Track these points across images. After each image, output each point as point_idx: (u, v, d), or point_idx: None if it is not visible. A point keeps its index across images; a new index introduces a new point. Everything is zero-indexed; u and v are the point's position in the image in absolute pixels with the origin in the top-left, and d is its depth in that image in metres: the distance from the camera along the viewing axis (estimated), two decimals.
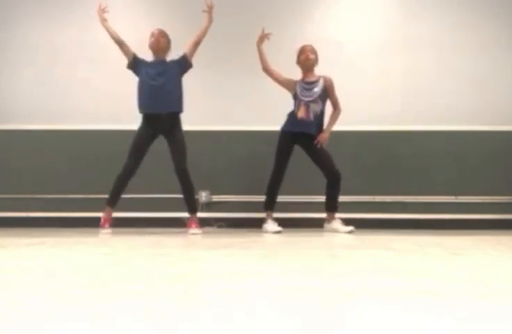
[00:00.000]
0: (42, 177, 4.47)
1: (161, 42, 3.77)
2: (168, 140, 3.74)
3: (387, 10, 4.80)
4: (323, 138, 3.86)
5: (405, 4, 4.77)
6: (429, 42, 4.69)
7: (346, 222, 3.86)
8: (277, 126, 3.97)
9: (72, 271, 1.74)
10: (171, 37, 3.85)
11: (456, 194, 4.44)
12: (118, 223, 3.84)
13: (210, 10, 3.82)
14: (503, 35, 4.69)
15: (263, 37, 3.94)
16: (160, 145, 3.74)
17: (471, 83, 4.65)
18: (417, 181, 4.48)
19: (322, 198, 3.94)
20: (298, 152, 3.92)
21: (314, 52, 3.93)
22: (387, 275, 1.66)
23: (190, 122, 3.89)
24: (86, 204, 4.34)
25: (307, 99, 3.86)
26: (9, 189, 4.46)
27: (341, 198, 3.92)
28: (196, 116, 4.26)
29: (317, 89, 3.88)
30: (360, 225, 3.93)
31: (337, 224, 3.86)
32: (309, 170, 3.97)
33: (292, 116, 3.90)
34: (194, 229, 3.67)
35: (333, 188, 3.85)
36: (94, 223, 3.78)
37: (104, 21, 3.80)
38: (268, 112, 4.41)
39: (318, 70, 3.96)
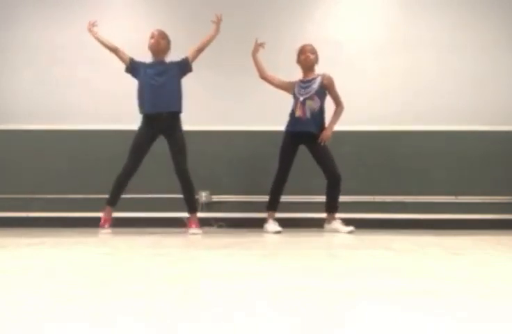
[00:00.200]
0: (42, 177, 4.47)
1: (160, 44, 3.78)
2: (168, 140, 3.74)
3: (387, 10, 4.80)
4: (326, 135, 3.85)
5: (405, 4, 4.78)
6: (429, 42, 4.69)
7: (346, 222, 3.86)
8: (277, 126, 3.98)
9: (72, 271, 1.74)
10: (171, 37, 3.85)
11: (456, 194, 4.44)
12: (118, 223, 3.84)
13: (218, 21, 3.84)
14: (503, 35, 4.69)
15: (257, 47, 3.97)
16: (160, 145, 3.74)
17: (471, 83, 4.65)
18: (417, 181, 4.48)
19: (322, 198, 3.94)
20: (298, 152, 3.92)
21: (314, 52, 3.93)
22: (387, 275, 1.66)
23: (190, 122, 3.89)
24: (86, 204, 4.34)
25: (303, 96, 3.86)
26: (9, 189, 4.46)
27: (341, 198, 3.92)
28: (196, 116, 4.26)
29: (314, 86, 3.88)
30: (360, 225, 3.93)
31: (337, 224, 3.86)
32: (309, 170, 3.97)
33: (291, 116, 3.91)
34: (194, 229, 3.67)
35: (333, 188, 3.85)
36: (94, 223, 3.78)
37: (95, 35, 3.82)
38: (268, 112, 4.41)
39: (319, 70, 3.96)
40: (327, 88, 3.91)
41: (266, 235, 3.61)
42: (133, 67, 3.79)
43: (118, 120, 4.41)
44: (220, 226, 4.32)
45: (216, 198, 4.47)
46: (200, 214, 3.92)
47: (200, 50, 3.84)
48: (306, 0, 4.78)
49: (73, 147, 4.53)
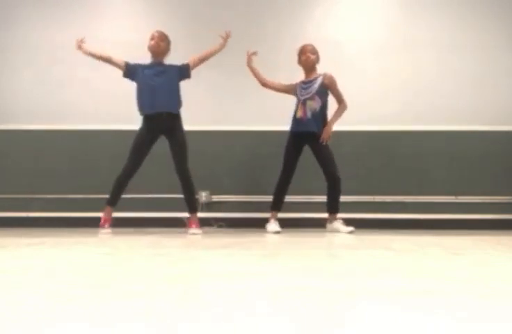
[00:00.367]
0: (42, 177, 4.47)
1: (160, 46, 3.77)
2: (169, 140, 3.74)
3: (387, 10, 4.80)
4: (327, 133, 3.84)
5: (405, 4, 4.78)
6: (429, 42, 4.69)
7: (347, 222, 3.86)
8: (277, 126, 3.98)
9: (72, 271, 1.74)
10: (171, 37, 3.84)
11: (456, 194, 4.44)
12: (118, 223, 3.84)
13: (226, 37, 3.84)
14: (503, 35, 4.69)
15: (250, 57, 3.98)
16: (160, 145, 3.74)
17: (471, 83, 4.65)
18: (417, 181, 4.48)
19: (322, 198, 3.94)
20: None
21: (315, 52, 3.93)
22: (387, 275, 1.66)
23: (190, 122, 3.89)
24: (86, 204, 4.34)
25: (304, 97, 3.87)
26: (9, 189, 4.46)
27: (342, 198, 3.91)
28: (197, 116, 4.26)
29: (315, 86, 3.88)
30: (360, 225, 3.93)
31: (338, 224, 3.86)
32: (309, 170, 3.97)
33: (294, 117, 3.92)
34: (194, 229, 3.67)
35: (333, 189, 3.84)
36: (94, 223, 3.78)
37: (86, 51, 3.81)
38: (268, 112, 4.42)
39: (320, 70, 3.96)
40: (328, 87, 3.90)
41: (266, 235, 3.60)
42: (130, 71, 3.79)
43: (118, 120, 4.41)
44: (220, 226, 4.32)
45: (215, 198, 4.47)
46: (200, 214, 3.92)
47: (202, 60, 3.85)
48: (306, 0, 4.79)
49: (73, 147, 4.53)
